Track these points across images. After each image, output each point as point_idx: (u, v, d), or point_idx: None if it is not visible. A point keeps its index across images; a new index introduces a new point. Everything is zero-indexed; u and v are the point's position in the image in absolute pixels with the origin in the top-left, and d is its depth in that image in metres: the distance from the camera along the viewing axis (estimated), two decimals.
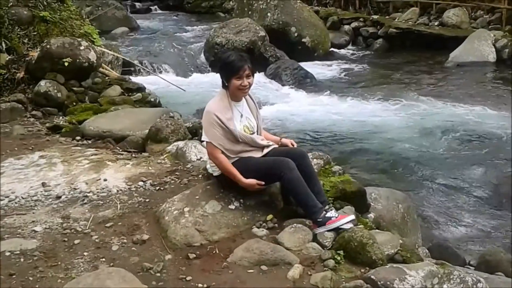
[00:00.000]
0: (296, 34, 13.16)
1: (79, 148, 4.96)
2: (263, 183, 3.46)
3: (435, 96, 9.97)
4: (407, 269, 2.85)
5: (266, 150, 3.63)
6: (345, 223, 3.25)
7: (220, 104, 3.52)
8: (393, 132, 8.02)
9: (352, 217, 3.34)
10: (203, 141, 3.62)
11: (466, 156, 7.13)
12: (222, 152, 3.48)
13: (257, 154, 3.59)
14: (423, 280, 2.79)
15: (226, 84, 3.53)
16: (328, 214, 3.32)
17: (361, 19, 16.36)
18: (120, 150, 4.91)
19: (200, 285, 2.88)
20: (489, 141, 7.61)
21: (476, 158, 7.05)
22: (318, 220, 3.30)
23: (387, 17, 16.58)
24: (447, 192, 6.07)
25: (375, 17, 16.37)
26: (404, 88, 10.81)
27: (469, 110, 8.92)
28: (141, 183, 4.10)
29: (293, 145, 3.77)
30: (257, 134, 3.66)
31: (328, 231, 3.27)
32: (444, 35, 14.25)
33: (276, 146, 3.72)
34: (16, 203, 3.83)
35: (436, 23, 15.20)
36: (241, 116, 3.59)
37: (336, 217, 3.30)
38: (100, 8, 15.85)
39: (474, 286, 2.85)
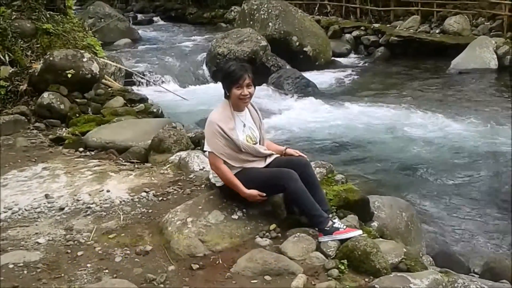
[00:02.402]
0: (297, 44, 13.21)
1: (82, 159, 4.97)
2: (264, 194, 3.46)
3: (437, 103, 9.97)
4: (411, 278, 2.85)
5: (268, 160, 3.64)
6: (352, 237, 3.24)
7: (222, 114, 3.53)
8: (395, 140, 8.02)
9: (360, 232, 3.33)
10: (205, 151, 3.62)
11: (469, 163, 7.11)
12: (225, 163, 3.48)
13: (260, 164, 3.60)
14: None
15: (228, 94, 3.54)
16: (336, 225, 3.32)
17: (362, 28, 16.44)
18: (123, 161, 4.93)
19: None
20: (492, 148, 7.59)
21: (479, 165, 7.04)
22: (325, 229, 3.30)
23: (388, 25, 16.65)
24: (450, 200, 6.05)
25: (376, 25, 16.44)
26: (406, 96, 10.82)
27: (472, 117, 8.91)
28: (144, 194, 4.10)
29: (300, 156, 3.71)
30: (260, 144, 3.66)
31: (332, 240, 3.27)
32: (446, 42, 14.30)
33: (278, 155, 3.72)
34: (19, 215, 3.83)
35: (437, 31, 15.25)
36: (244, 126, 3.60)
37: (344, 229, 3.30)
38: (102, 19, 15.97)
39: None
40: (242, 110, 3.63)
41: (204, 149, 3.61)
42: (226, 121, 3.49)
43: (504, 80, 11.88)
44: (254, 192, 3.43)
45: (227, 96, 3.57)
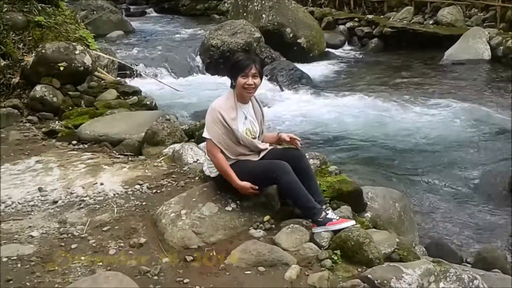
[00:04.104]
0: (291, 35, 13.16)
1: (75, 152, 4.96)
2: (257, 187, 3.47)
3: (430, 94, 9.99)
4: (404, 268, 2.86)
5: (263, 153, 3.64)
6: (346, 228, 3.26)
7: (226, 103, 3.52)
8: (388, 131, 8.04)
9: (353, 222, 3.35)
10: (204, 137, 3.60)
11: (462, 154, 7.14)
12: (222, 152, 3.48)
13: (255, 158, 3.60)
14: (420, 278, 2.80)
15: (234, 83, 3.53)
16: (329, 216, 3.33)
17: (356, 19, 16.39)
18: (117, 153, 4.92)
19: (197, 287, 2.88)
20: (485, 139, 7.63)
21: (472, 156, 7.07)
22: (319, 220, 3.31)
23: (381, 16, 16.61)
24: (443, 190, 6.09)
25: (370, 16, 16.40)
26: (399, 87, 10.83)
27: (465, 108, 8.94)
28: (137, 187, 4.10)
29: (292, 139, 3.69)
30: (258, 139, 3.66)
31: (326, 231, 3.29)
32: (439, 33, 14.28)
33: (273, 147, 3.72)
34: (12, 208, 3.83)
35: (430, 22, 15.24)
36: (245, 118, 3.59)
37: (337, 220, 3.31)
38: (95, 12, 15.83)
39: (470, 283, 2.87)
40: (246, 102, 3.62)
41: (203, 135, 3.59)
42: (228, 110, 3.48)
43: (497, 70, 11.90)
44: (247, 184, 3.44)
45: (232, 86, 3.56)
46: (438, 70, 12.28)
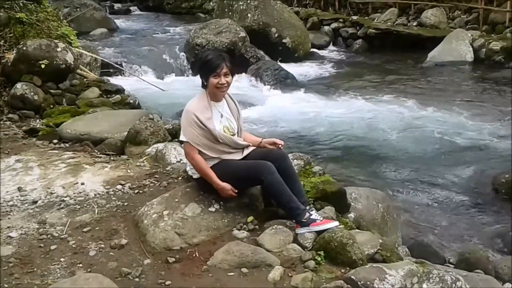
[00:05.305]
0: (276, 35, 13.17)
1: (56, 151, 4.89)
2: (236, 191, 3.45)
3: (413, 96, 10.05)
4: (387, 269, 2.86)
5: (246, 152, 3.61)
6: (329, 228, 3.25)
7: (199, 104, 3.49)
8: (372, 132, 8.06)
9: (337, 223, 3.34)
10: (181, 141, 3.56)
11: (445, 155, 7.19)
12: (203, 153, 3.45)
13: (237, 156, 3.57)
14: (403, 279, 2.80)
15: (205, 83, 3.51)
16: (313, 216, 3.32)
17: (340, 20, 16.45)
18: (98, 153, 4.85)
19: None
20: (467, 140, 7.69)
21: (455, 157, 7.12)
22: (303, 221, 3.30)
23: (366, 17, 16.71)
24: (427, 191, 6.12)
25: (355, 17, 16.47)
26: (383, 88, 10.88)
27: (448, 110, 9.01)
28: (119, 187, 4.04)
29: (276, 144, 3.68)
30: (238, 136, 3.63)
31: (309, 232, 3.28)
32: (423, 35, 14.40)
33: (255, 147, 3.69)
34: None
35: (414, 24, 15.36)
36: (221, 116, 3.56)
37: (321, 221, 3.31)
38: (78, 9, 15.64)
39: (453, 285, 2.87)
40: (220, 100, 3.60)
41: (180, 138, 3.56)
42: (202, 111, 3.45)
43: (480, 72, 12.03)
44: (227, 186, 3.41)
45: (204, 86, 3.53)
46: (421, 71, 12.38)
